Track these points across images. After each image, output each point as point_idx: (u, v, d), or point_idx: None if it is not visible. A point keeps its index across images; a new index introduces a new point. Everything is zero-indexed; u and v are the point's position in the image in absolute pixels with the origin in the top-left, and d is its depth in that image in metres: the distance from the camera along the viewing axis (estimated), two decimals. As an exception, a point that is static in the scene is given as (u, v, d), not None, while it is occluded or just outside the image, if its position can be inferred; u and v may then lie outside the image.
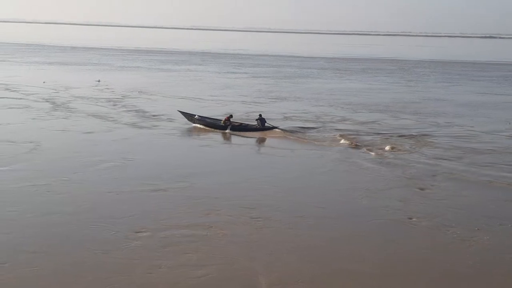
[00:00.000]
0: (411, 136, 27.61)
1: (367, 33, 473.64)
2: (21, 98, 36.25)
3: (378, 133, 28.32)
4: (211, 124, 28.81)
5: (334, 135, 27.32)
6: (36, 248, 12.98)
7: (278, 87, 49.46)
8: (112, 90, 42.14)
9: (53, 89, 41.55)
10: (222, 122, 28.55)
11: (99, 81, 48.00)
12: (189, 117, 29.59)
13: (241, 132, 27.91)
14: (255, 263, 12.54)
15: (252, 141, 26.75)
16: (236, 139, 26.98)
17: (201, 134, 27.58)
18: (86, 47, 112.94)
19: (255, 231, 14.45)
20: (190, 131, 28.25)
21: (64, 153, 22.12)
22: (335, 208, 16.66)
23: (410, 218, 15.77)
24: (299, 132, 28.24)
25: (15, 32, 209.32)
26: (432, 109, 37.61)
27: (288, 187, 18.70)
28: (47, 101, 35.27)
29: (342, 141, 25.90)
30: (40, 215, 15.12)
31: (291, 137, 26.84)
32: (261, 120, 28.54)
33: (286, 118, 32.12)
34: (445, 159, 22.98)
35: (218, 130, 28.10)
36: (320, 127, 29.64)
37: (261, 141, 26.86)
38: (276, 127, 28.37)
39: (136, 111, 33.09)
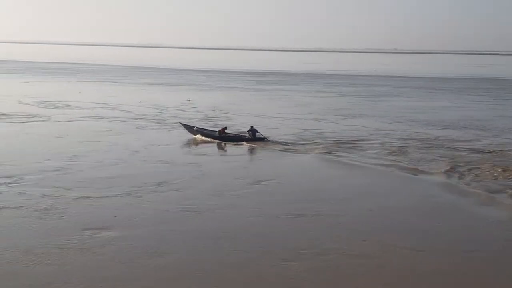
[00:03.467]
0: None
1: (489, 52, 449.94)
2: (123, 118, 40.80)
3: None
4: (208, 134, 31.29)
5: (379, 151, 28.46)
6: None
7: (354, 105, 50.81)
8: (195, 107, 45.86)
9: (150, 107, 45.49)
10: (217, 133, 31.03)
11: (189, 100, 52.06)
12: (189, 128, 32.29)
13: (234, 143, 30.20)
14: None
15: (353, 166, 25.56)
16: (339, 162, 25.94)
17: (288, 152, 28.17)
18: (196, 69, 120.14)
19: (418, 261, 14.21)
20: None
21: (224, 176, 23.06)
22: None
23: None
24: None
25: (138, 56, 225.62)
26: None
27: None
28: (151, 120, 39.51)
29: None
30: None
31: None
32: (252, 131, 30.63)
33: (323, 135, 32.90)
34: None
35: (214, 140, 30.50)
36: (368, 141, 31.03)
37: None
38: (266, 138, 30.35)
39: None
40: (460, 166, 24.74)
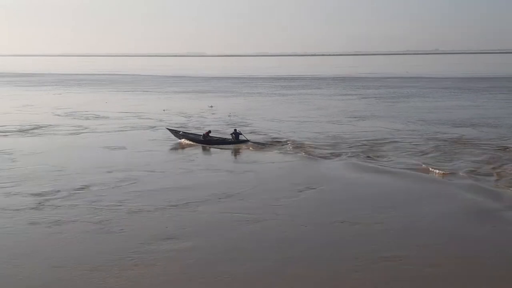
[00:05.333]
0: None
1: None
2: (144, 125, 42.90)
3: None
4: (193, 138, 32.36)
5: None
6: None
7: (372, 106, 51.91)
8: (214, 114, 47.55)
9: (173, 114, 47.09)
10: (201, 136, 32.09)
11: (211, 106, 53.84)
12: (175, 133, 33.40)
13: (219, 145, 31.21)
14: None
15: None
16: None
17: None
18: (227, 76, 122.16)
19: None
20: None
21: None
22: None
23: None
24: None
25: (174, 65, 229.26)
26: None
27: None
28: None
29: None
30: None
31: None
32: (236, 134, 31.80)
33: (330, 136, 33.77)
34: None
35: (198, 144, 31.53)
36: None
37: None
38: (248, 140, 31.38)
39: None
40: (487, 166, 24.75)
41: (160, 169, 25.32)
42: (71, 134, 36.33)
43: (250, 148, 30.59)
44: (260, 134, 34.95)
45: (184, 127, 37.65)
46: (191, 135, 33.26)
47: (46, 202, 19.49)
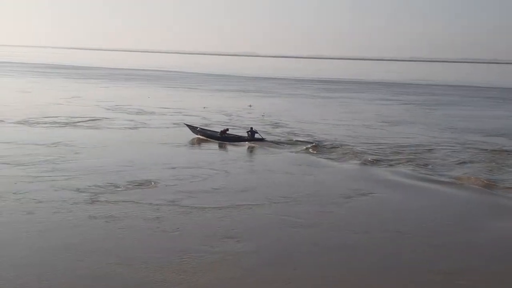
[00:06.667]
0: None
1: None
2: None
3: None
4: (210, 135, 33.46)
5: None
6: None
7: (407, 112, 52.03)
8: (250, 113, 48.60)
9: (213, 112, 48.27)
10: (219, 133, 33.19)
11: (250, 106, 55.06)
12: (193, 129, 34.57)
13: (235, 142, 32.29)
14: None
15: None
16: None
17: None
18: (273, 77, 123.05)
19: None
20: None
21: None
22: None
23: None
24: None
25: (223, 63, 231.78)
26: None
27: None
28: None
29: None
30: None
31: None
32: (252, 132, 32.86)
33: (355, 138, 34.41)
34: None
35: (215, 140, 32.56)
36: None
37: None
38: (263, 139, 32.46)
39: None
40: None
41: (218, 168, 25.43)
42: (126, 128, 37.08)
43: (265, 146, 31.61)
44: (288, 135, 35.83)
45: (223, 126, 38.01)
46: (208, 132, 34.39)
47: (107, 197, 19.48)
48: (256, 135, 33.02)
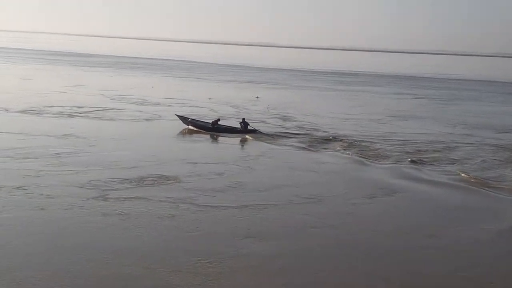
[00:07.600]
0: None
1: None
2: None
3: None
4: (201, 126, 32.38)
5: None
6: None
7: (419, 106, 50.42)
8: (256, 105, 47.14)
9: (219, 103, 46.93)
10: (210, 124, 32.07)
11: (257, 97, 53.57)
12: (183, 119, 33.43)
13: (227, 133, 31.43)
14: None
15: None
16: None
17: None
18: (286, 68, 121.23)
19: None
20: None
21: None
22: None
23: None
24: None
25: (239, 54, 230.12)
26: None
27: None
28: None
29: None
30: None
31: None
32: (244, 123, 31.93)
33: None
34: None
35: (206, 131, 31.64)
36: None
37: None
38: (257, 130, 31.62)
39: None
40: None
41: (239, 164, 24.47)
42: (134, 120, 35.86)
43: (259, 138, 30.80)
44: (293, 129, 34.45)
45: (228, 117, 37.09)
46: (199, 123, 33.38)
47: (120, 193, 18.64)
48: (249, 127, 32.16)
